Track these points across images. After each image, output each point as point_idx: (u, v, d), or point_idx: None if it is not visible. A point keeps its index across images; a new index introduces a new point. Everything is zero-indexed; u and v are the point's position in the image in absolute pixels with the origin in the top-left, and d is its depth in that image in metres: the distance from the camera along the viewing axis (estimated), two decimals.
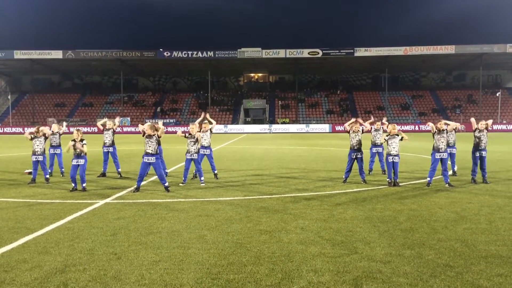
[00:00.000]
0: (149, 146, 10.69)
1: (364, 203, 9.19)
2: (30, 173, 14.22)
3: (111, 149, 13.90)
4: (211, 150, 12.95)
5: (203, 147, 12.66)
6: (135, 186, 10.87)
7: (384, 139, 11.80)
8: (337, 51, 60.73)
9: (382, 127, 13.75)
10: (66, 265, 5.35)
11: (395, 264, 5.36)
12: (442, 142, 11.40)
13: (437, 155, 11.39)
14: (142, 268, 5.24)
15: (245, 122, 65.84)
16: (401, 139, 11.59)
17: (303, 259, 5.56)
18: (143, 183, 11.28)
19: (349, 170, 12.23)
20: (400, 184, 11.60)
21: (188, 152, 11.86)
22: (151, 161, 10.67)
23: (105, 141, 13.93)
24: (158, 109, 68.78)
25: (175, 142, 30.74)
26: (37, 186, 11.88)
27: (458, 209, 8.48)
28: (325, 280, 4.85)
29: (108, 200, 9.67)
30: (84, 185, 10.98)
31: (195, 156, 11.82)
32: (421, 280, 4.84)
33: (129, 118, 64.60)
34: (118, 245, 6.19)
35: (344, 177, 12.27)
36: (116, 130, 14.30)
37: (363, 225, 7.29)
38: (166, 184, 10.84)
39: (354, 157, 12.14)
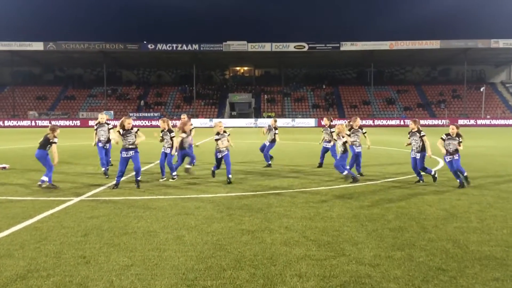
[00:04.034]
0: (129, 141, 10.25)
1: (351, 200, 8.86)
2: (3, 168, 13.64)
3: (107, 145, 12.58)
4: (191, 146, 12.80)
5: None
6: (114, 183, 10.40)
7: (347, 133, 11.69)
8: (323, 45, 60.49)
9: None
10: (28, 271, 4.90)
11: (385, 267, 5.02)
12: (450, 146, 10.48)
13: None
14: (112, 274, 4.81)
15: (231, 116, 65.31)
16: (364, 133, 12.32)
17: (287, 262, 5.19)
18: (122, 178, 10.78)
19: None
20: (363, 174, 12.05)
21: (163, 146, 11.88)
22: (131, 155, 10.25)
23: (101, 138, 12.62)
24: (142, 103, 67.83)
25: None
26: (9, 182, 11.29)
27: (447, 207, 8.21)
28: (310, 286, 4.49)
29: (83, 197, 9.18)
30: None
31: (168, 150, 11.71)
32: (413, 286, 4.51)
33: (112, 112, 63.53)
34: (88, 247, 5.74)
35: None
36: (110, 126, 12.74)
37: (350, 224, 6.96)
38: (139, 179, 10.41)
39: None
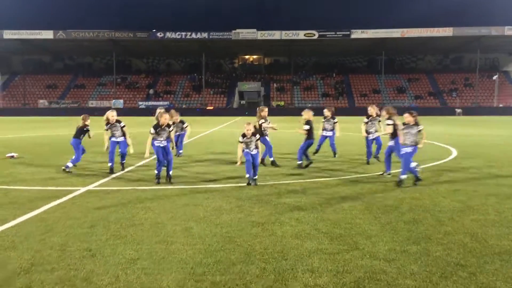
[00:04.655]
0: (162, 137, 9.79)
1: (363, 191, 8.64)
2: (12, 157, 13.59)
3: (121, 138, 11.10)
4: (185, 132, 13.91)
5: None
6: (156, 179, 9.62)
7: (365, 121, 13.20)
8: (334, 33, 59.84)
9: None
10: (32, 264, 4.77)
11: (400, 262, 4.81)
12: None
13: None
14: (118, 268, 4.66)
15: (240, 105, 65.01)
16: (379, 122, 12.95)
17: (299, 256, 5.01)
18: (130, 168, 10.67)
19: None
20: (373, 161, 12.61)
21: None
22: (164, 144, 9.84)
23: (115, 134, 11.10)
24: (151, 91, 67.78)
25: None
26: (17, 171, 11.23)
27: (463, 198, 7.95)
28: (323, 283, 4.30)
29: (90, 187, 9.06)
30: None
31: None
32: (430, 282, 4.29)
33: (122, 100, 63.62)
34: (94, 239, 5.60)
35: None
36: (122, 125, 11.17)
37: (363, 216, 6.74)
38: (171, 172, 9.81)
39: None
